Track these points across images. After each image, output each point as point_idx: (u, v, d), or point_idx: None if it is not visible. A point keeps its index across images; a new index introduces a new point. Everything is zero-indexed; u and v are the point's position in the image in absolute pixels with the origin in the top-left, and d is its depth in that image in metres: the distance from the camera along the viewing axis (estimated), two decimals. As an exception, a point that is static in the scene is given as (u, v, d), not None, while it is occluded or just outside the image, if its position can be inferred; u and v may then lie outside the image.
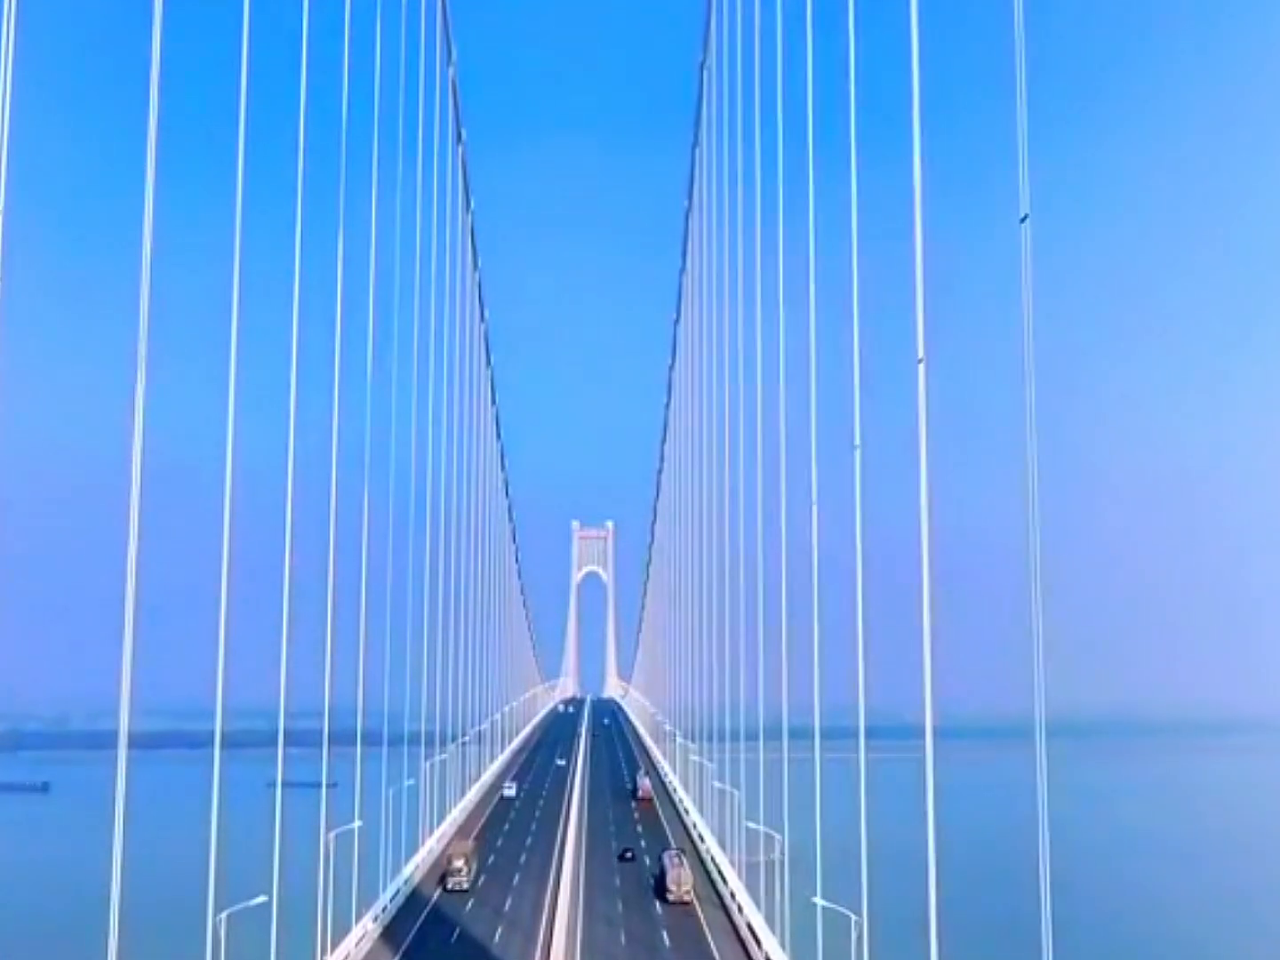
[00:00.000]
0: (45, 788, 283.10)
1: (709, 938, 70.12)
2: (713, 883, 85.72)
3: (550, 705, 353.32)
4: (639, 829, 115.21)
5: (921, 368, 37.59)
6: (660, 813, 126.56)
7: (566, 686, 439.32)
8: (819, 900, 52.40)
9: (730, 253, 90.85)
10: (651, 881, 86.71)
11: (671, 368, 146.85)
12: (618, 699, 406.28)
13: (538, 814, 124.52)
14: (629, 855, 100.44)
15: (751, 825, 71.46)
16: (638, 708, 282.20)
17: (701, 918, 75.46)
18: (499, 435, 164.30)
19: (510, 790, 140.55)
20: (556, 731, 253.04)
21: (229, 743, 45.29)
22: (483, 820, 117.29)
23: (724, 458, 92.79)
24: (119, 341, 41.10)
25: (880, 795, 51.67)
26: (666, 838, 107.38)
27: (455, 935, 70.81)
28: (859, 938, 46.60)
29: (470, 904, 79.09)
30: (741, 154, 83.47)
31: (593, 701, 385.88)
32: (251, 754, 71.58)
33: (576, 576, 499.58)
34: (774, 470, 68.66)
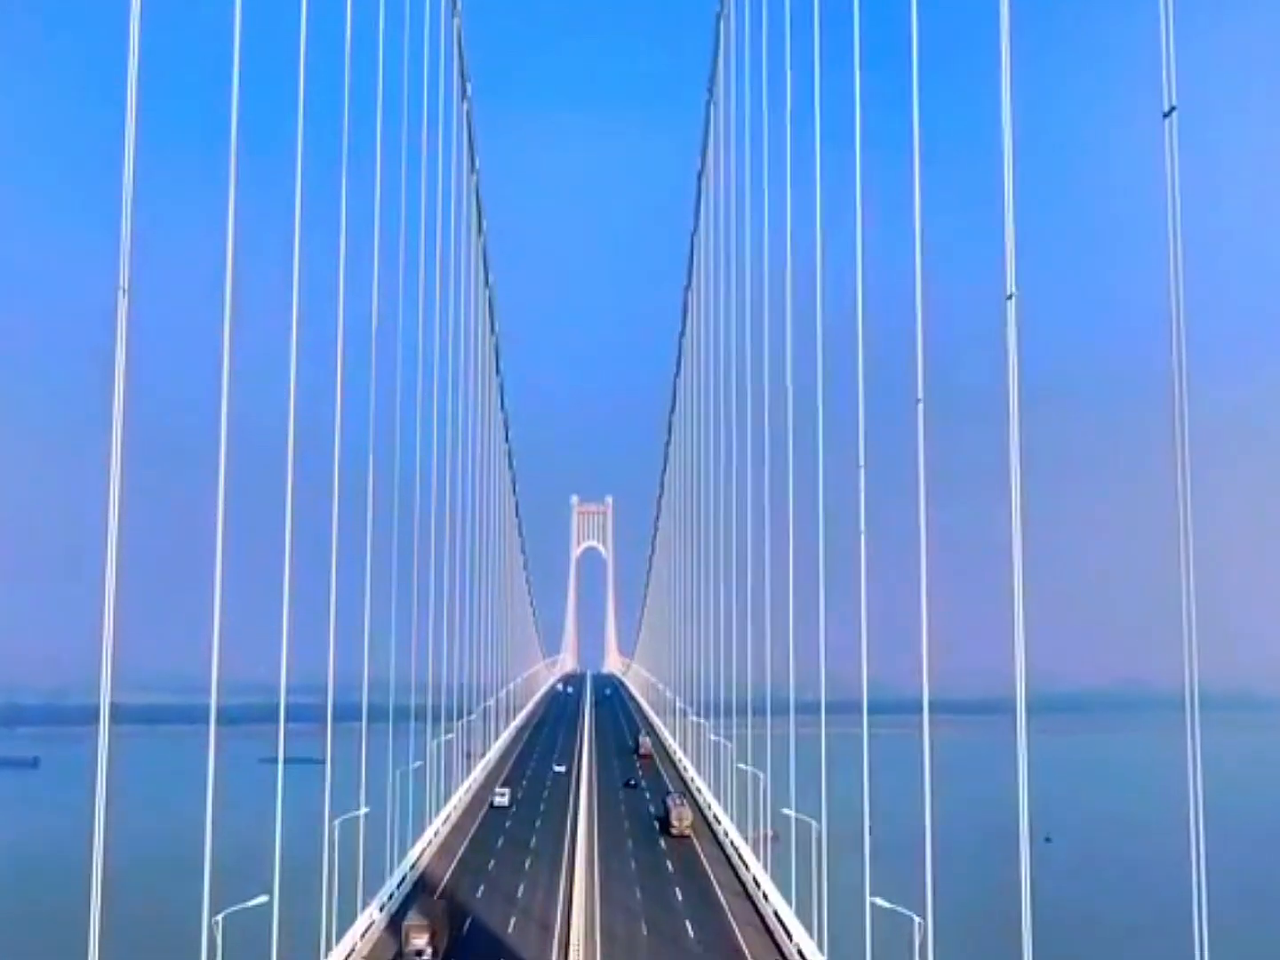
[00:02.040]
0: (35, 763, 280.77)
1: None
2: (735, 872, 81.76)
3: (549, 683, 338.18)
4: (639, 774, 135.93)
5: (1011, 304, 33.18)
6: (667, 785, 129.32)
7: (565, 662, 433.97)
8: (876, 899, 47.36)
9: (753, 205, 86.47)
10: (655, 818, 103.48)
11: (682, 335, 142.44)
12: (619, 674, 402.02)
13: (534, 840, 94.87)
14: (632, 783, 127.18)
15: (786, 812, 66.58)
16: (641, 683, 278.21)
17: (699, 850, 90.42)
18: (503, 405, 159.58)
19: (502, 798, 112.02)
20: (558, 710, 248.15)
21: (225, 718, 42.14)
22: (464, 842, 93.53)
23: (745, 422, 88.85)
24: (101, 281, 37.10)
25: (902, 774, 47.91)
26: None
27: (467, 926, 66.85)
28: (922, 943, 41.78)
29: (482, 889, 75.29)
30: (767, 99, 78.94)
31: (593, 677, 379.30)
32: (248, 729, 67.97)
33: (576, 552, 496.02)
34: (806, 430, 63.83)
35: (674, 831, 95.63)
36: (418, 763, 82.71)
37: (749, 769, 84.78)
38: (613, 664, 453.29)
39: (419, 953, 57.15)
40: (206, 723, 41.69)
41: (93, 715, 33.93)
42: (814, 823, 60.35)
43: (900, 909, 45.30)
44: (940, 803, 42.75)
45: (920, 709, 43.35)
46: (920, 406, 41.73)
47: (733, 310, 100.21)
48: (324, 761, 55.08)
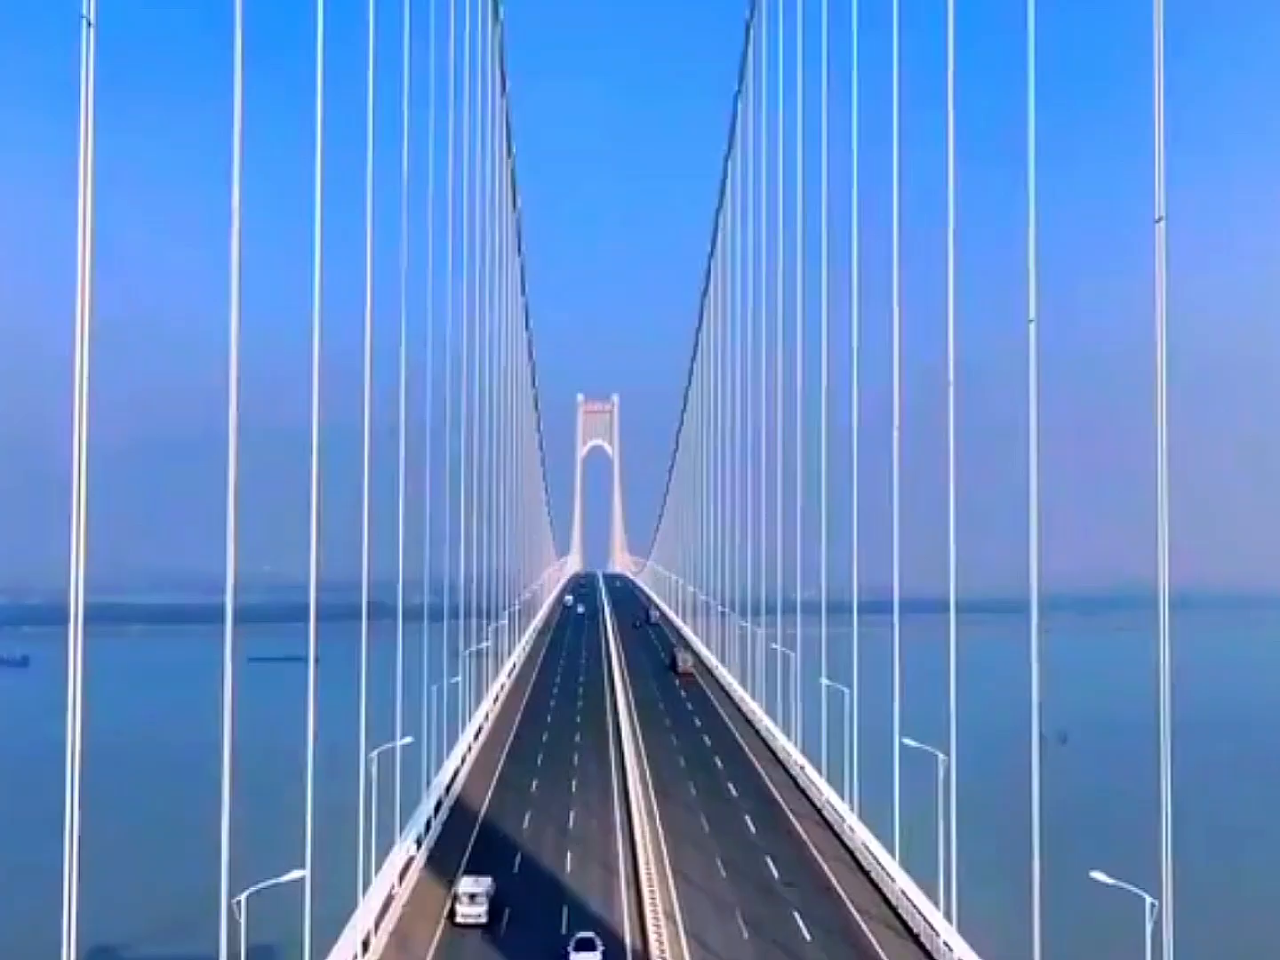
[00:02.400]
0: (25, 661, 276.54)
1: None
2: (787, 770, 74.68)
3: (557, 589, 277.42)
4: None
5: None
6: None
7: (572, 563, 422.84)
8: (906, 740, 53.17)
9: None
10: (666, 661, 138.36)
11: (719, 210, 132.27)
12: (630, 575, 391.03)
13: (575, 756, 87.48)
14: (638, 624, 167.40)
15: (826, 682, 71.29)
16: (661, 586, 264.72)
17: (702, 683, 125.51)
18: (523, 289, 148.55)
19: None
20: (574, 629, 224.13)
21: (224, 617, 35.67)
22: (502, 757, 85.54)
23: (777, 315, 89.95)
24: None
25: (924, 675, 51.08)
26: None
27: (518, 863, 59.11)
28: (945, 777, 47.41)
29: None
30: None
31: (604, 578, 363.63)
32: (256, 628, 60.05)
33: (581, 451, 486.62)
34: (841, 330, 66.16)
35: (680, 669, 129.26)
36: (455, 679, 74.88)
37: (779, 649, 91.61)
38: (620, 564, 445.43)
39: (472, 896, 50.22)
40: (214, 623, 36.96)
41: (91, 614, 28.71)
42: (845, 690, 66.26)
43: (926, 747, 50.52)
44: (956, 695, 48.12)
45: (933, 608, 49.99)
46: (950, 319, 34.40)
47: (778, 183, 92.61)
48: (362, 699, 46.13)
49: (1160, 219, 28.37)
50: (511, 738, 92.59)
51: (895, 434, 55.19)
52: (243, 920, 32.17)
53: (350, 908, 46.05)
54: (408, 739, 54.27)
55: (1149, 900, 30.10)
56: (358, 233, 52.18)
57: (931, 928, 46.10)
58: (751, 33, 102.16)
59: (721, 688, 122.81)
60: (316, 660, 41.91)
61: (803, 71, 79.97)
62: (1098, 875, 34.90)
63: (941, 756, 48.43)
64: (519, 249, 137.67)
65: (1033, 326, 36.06)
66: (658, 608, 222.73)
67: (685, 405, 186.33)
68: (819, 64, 73.13)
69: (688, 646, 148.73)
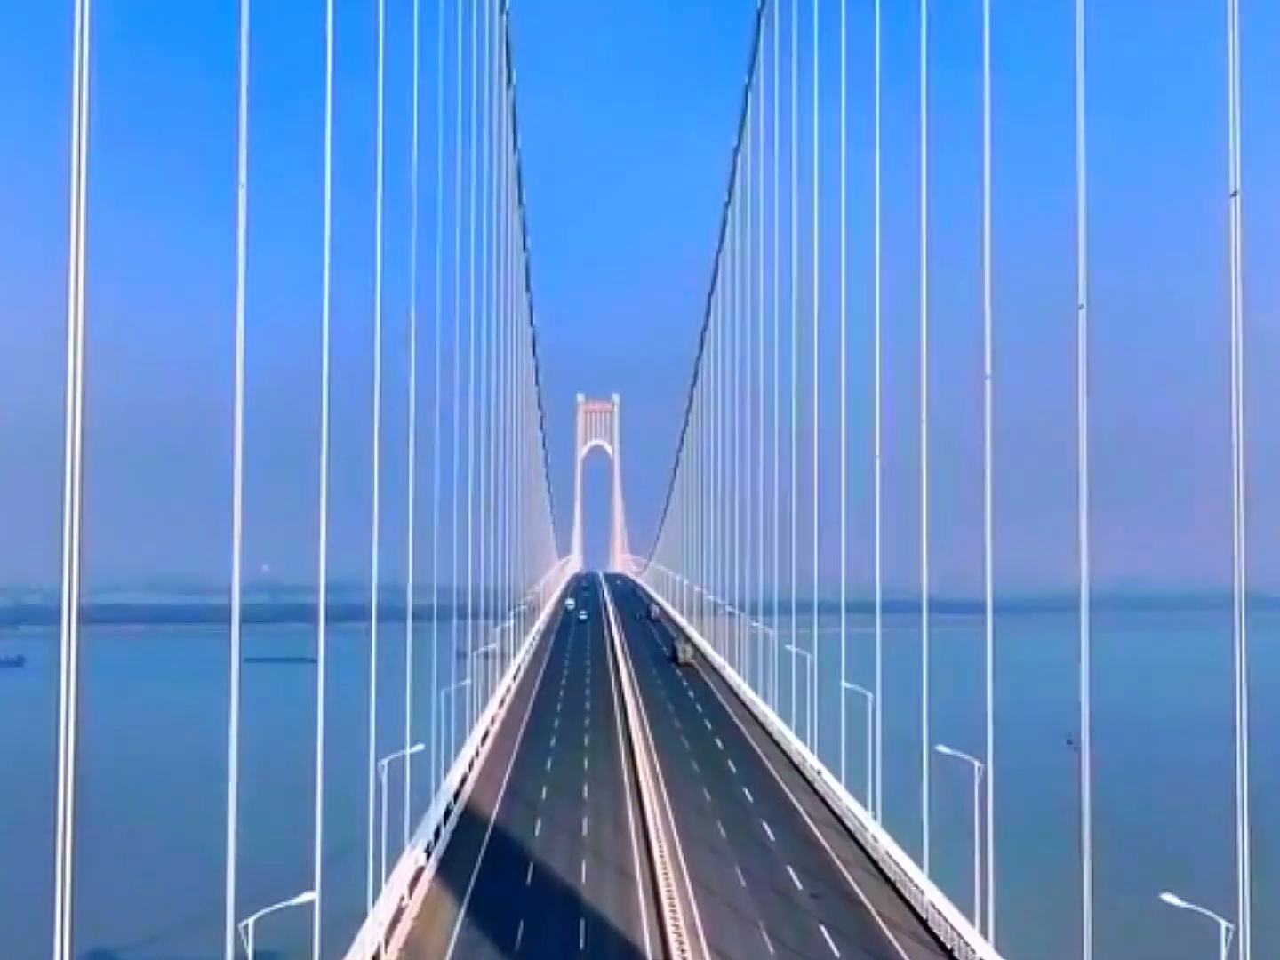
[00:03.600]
0: (20, 662, 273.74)
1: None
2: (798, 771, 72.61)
3: (558, 591, 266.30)
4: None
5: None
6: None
7: (573, 563, 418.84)
8: (940, 747, 51.11)
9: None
10: (667, 653, 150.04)
11: (727, 205, 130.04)
12: (631, 575, 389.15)
13: (586, 761, 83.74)
14: (640, 616, 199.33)
15: (847, 685, 69.23)
16: (666, 588, 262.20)
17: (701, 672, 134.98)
18: (528, 285, 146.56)
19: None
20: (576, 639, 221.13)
21: (222, 617, 33.56)
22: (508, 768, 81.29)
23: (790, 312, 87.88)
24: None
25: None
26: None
27: (530, 875, 57.14)
28: (981, 783, 45.45)
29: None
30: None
31: (606, 578, 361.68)
32: (252, 629, 57.46)
33: (581, 451, 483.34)
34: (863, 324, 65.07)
35: (681, 660, 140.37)
36: (463, 682, 72.89)
37: (794, 650, 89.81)
38: (621, 564, 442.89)
39: None
40: (210, 623, 36.59)
41: (102, 615, 24.94)
42: (868, 694, 63.85)
43: (960, 754, 47.72)
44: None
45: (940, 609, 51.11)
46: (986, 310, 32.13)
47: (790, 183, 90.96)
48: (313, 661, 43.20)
49: (1235, 193, 26.57)
50: (519, 741, 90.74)
51: (923, 429, 53.22)
52: (249, 947, 30.13)
53: (359, 920, 44.24)
54: (419, 746, 52.18)
55: (1224, 924, 28.28)
56: (362, 230, 50.59)
57: (966, 944, 44.15)
58: (763, 21, 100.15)
59: (731, 689, 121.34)
60: (315, 661, 39.95)
61: (818, 57, 77.52)
62: (1169, 898, 32.64)
63: (977, 764, 46.49)
64: (524, 245, 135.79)
65: (1083, 314, 34.03)
66: (659, 605, 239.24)
67: (690, 404, 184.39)
68: (836, 48, 70.98)
69: (687, 639, 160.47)
